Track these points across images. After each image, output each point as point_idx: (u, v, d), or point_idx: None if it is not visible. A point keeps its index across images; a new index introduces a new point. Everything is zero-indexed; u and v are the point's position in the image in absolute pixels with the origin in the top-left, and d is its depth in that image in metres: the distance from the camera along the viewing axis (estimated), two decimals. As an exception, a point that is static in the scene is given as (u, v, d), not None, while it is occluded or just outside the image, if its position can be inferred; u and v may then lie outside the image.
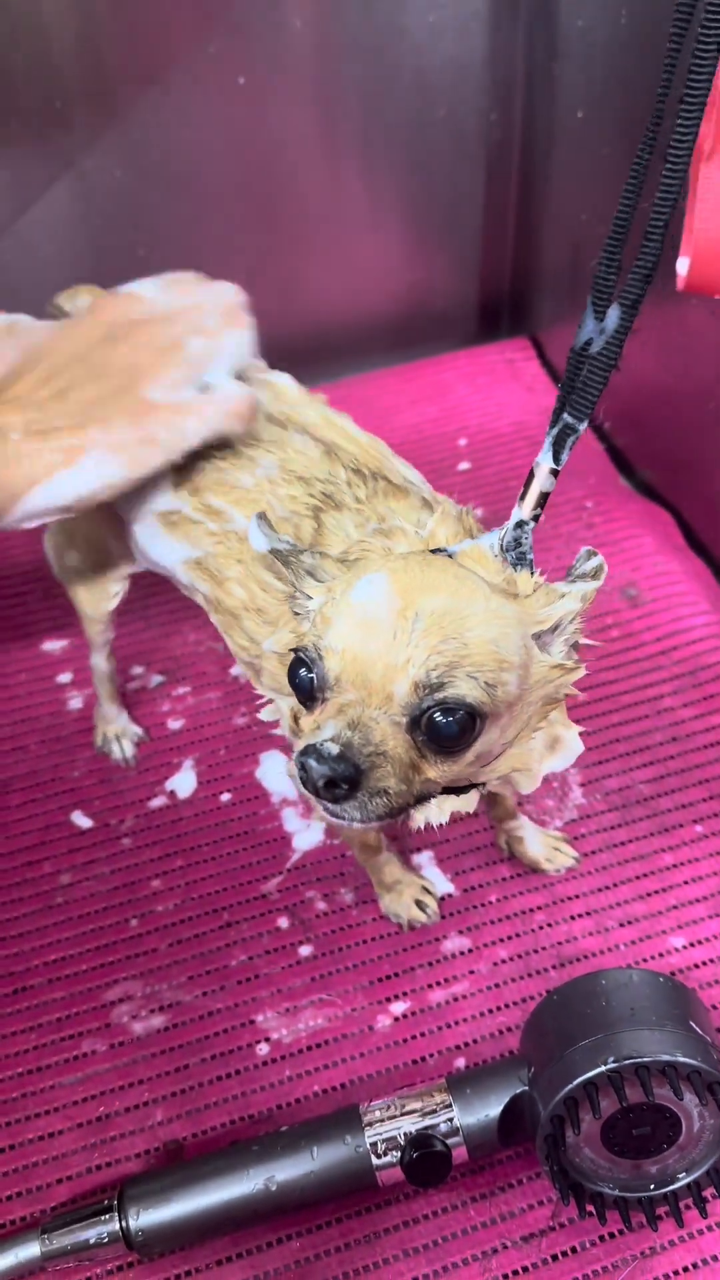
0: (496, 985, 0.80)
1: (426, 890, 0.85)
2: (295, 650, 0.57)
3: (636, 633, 1.04)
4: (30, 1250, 0.67)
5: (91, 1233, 0.67)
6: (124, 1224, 0.66)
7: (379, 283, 1.41)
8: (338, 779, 0.52)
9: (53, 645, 1.08)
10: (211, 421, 0.73)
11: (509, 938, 0.83)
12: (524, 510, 0.62)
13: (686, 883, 0.85)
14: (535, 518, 0.62)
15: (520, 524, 0.61)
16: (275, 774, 0.95)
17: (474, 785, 0.63)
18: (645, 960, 0.81)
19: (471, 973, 0.81)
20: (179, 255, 1.29)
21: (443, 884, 0.86)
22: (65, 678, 1.05)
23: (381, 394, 1.35)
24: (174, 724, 1.00)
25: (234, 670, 1.05)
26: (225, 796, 0.94)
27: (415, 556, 0.59)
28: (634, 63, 1.09)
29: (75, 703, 1.03)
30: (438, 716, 0.53)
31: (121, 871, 0.89)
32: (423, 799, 0.57)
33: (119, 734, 0.98)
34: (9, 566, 1.16)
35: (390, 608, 0.54)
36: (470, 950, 0.82)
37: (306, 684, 0.56)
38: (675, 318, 1.07)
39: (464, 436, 1.30)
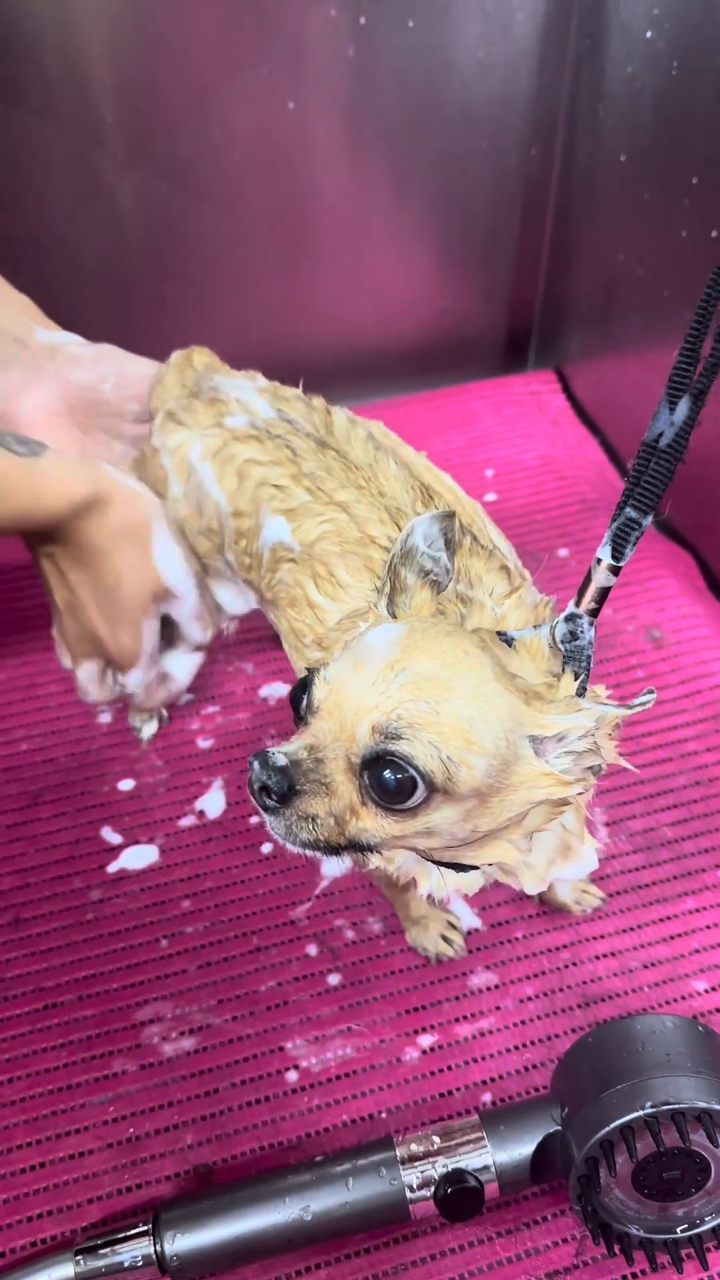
0: (522, 1022, 0.82)
1: (452, 925, 0.86)
2: (309, 669, 0.60)
3: (661, 674, 1.06)
4: (64, 1271, 0.67)
5: (126, 1255, 0.67)
6: (159, 1248, 0.67)
7: (410, 308, 1.43)
8: (270, 788, 0.56)
9: (82, 658, 1.08)
10: None
11: (534, 975, 0.84)
12: (580, 605, 0.59)
13: (709, 927, 0.87)
14: (593, 612, 0.59)
15: (572, 617, 0.59)
16: (304, 799, 0.96)
17: (472, 866, 0.63)
18: (669, 1003, 0.82)
19: (498, 1009, 0.83)
20: (214, 273, 1.32)
21: (469, 919, 0.88)
22: (95, 691, 1.05)
23: (410, 419, 1.36)
24: (203, 743, 1.01)
25: (263, 692, 1.06)
26: (254, 819, 0.95)
27: (445, 625, 0.59)
28: (681, 115, 1.11)
29: (104, 717, 1.03)
30: (384, 771, 0.55)
31: (151, 890, 0.90)
32: (360, 846, 0.58)
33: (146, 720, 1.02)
34: (37, 581, 1.15)
35: (386, 657, 0.56)
36: (497, 986, 0.84)
37: (298, 703, 0.60)
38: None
39: (490, 467, 1.31)
